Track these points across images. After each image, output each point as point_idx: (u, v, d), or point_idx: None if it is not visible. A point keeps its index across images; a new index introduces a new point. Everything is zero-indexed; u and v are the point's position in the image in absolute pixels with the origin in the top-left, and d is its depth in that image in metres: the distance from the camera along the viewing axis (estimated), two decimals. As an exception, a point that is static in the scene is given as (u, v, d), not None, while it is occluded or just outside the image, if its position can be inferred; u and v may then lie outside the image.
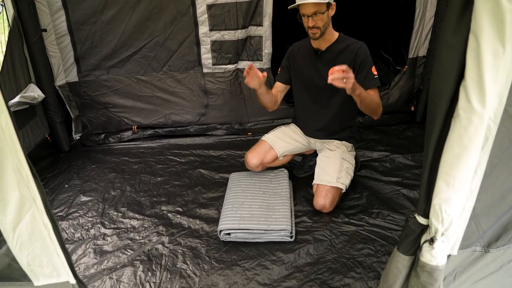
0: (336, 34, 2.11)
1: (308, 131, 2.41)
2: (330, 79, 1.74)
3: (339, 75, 1.72)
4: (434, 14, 2.83)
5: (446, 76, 0.93)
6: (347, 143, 2.31)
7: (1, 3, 2.36)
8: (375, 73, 2.03)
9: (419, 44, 2.98)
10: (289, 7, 2.03)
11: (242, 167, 2.69)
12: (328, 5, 1.95)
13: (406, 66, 3.06)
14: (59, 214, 2.30)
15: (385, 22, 4.03)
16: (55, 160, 2.92)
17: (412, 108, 3.21)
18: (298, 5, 1.97)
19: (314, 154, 2.51)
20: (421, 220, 1.12)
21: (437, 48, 0.97)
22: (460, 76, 0.92)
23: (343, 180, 2.14)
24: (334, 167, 2.17)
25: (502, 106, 0.92)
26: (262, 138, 2.44)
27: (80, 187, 2.57)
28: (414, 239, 1.15)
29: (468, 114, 0.91)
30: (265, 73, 2.02)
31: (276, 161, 2.41)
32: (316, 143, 2.42)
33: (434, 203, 1.04)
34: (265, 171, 2.44)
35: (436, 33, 2.84)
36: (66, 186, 2.60)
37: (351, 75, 1.75)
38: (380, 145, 2.85)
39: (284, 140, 2.41)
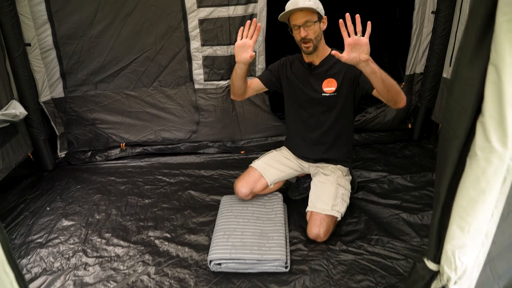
0: (328, 49, 2.03)
1: (300, 151, 2.30)
2: (345, 55, 1.58)
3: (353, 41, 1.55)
4: (432, 30, 2.77)
5: (461, 112, 0.83)
6: (342, 167, 2.20)
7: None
8: None
9: (416, 61, 2.91)
10: (279, 16, 1.95)
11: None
12: (320, 17, 1.90)
13: (403, 83, 2.98)
14: (38, 240, 2.15)
15: (380, 37, 3.98)
16: (37, 180, 2.78)
17: (410, 126, 3.13)
18: (288, 14, 1.90)
19: (309, 175, 2.40)
20: (431, 265, 1.02)
21: (450, 81, 0.87)
22: (477, 111, 0.82)
23: (339, 208, 2.03)
24: (329, 193, 2.06)
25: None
26: (251, 165, 2.32)
27: (63, 210, 2.43)
28: (423, 285, 1.04)
29: (487, 154, 0.81)
30: (253, 54, 1.90)
31: (266, 189, 2.30)
32: (310, 168, 2.31)
33: (447, 249, 0.94)
34: (259, 195, 2.32)
35: (433, 50, 2.78)
36: (48, 208, 2.45)
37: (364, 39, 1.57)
38: (378, 165, 2.76)
39: (275, 167, 2.30)
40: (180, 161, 2.97)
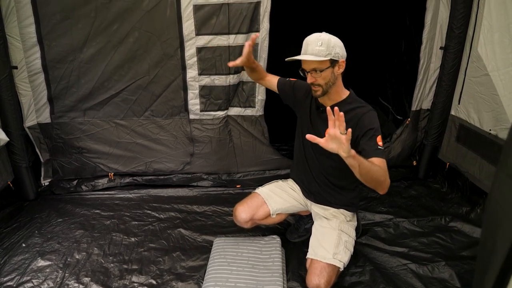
0: (345, 94, 1.85)
1: (302, 186, 2.13)
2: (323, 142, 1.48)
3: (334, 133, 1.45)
4: (440, 66, 2.66)
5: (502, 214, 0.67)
6: (345, 211, 2.01)
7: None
8: (380, 143, 1.71)
9: (422, 97, 2.80)
10: (286, 59, 1.80)
11: (228, 227, 2.40)
12: (333, 61, 1.71)
13: (409, 119, 2.85)
14: (9, 283, 1.93)
15: (384, 68, 3.90)
16: (16, 211, 2.57)
17: (415, 163, 2.98)
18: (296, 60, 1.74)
19: (311, 215, 2.21)
20: None
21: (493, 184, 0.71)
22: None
23: (341, 257, 1.84)
24: (330, 240, 1.87)
25: None
26: (255, 191, 2.14)
27: (40, 247, 2.22)
28: None
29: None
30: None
31: (268, 219, 2.10)
32: (312, 206, 2.13)
33: None
34: (255, 237, 2.14)
35: (441, 86, 2.67)
36: (24, 245, 2.24)
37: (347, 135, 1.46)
38: (382, 206, 2.59)
39: (280, 196, 2.11)
40: (172, 194, 2.78)
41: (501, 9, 2.18)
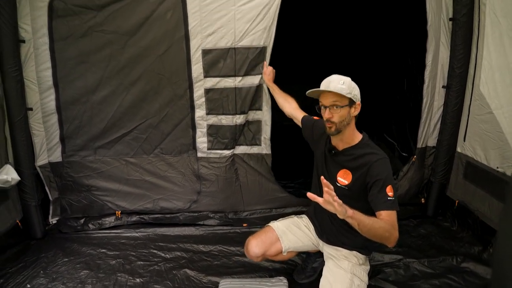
0: (358, 138, 1.86)
1: (316, 229, 2.10)
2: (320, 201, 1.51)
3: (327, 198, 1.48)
4: (443, 104, 2.71)
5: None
6: (358, 253, 1.96)
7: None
8: (391, 194, 1.68)
9: (427, 134, 2.82)
10: (308, 92, 1.84)
11: (234, 268, 2.37)
12: (351, 102, 1.76)
13: (415, 156, 2.86)
14: (12, 327, 1.91)
15: (388, 105, 3.96)
16: (23, 250, 2.57)
17: (423, 200, 2.95)
18: (318, 92, 1.78)
19: (319, 253, 2.17)
20: None
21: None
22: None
23: (353, 302, 1.79)
24: (342, 283, 1.82)
25: None
26: (270, 225, 2.11)
27: (45, 288, 2.20)
28: None
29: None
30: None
31: (279, 256, 2.07)
32: (324, 247, 2.09)
33: None
34: (262, 279, 2.11)
35: (446, 124, 2.69)
36: (28, 286, 2.22)
37: (336, 199, 1.49)
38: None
39: (295, 234, 2.08)
40: (178, 233, 2.77)
41: (500, 50, 2.24)
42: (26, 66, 2.45)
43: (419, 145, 2.84)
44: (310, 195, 1.52)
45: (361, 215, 1.54)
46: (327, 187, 1.47)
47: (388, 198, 1.66)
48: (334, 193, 1.47)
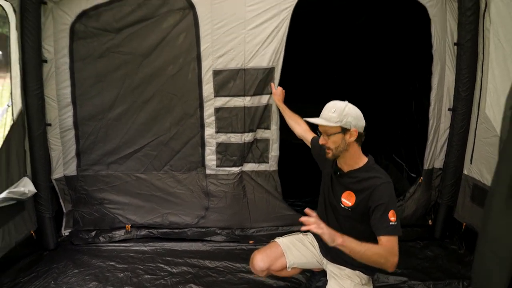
0: (363, 161, 1.88)
1: (320, 247, 2.13)
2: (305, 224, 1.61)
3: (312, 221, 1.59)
4: (449, 126, 2.73)
5: (495, 261, 0.72)
6: (362, 273, 1.96)
7: (8, 104, 2.36)
8: (392, 218, 1.69)
9: (434, 156, 2.84)
10: (304, 119, 1.92)
11: (239, 284, 2.40)
12: (345, 129, 1.78)
13: (422, 178, 2.87)
14: (21, 335, 1.97)
15: (396, 126, 3.99)
16: (35, 260, 2.65)
17: (430, 222, 2.94)
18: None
19: (324, 272, 2.18)
20: None
21: (481, 226, 0.77)
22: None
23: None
24: (345, 303, 1.84)
25: None
26: (275, 240, 2.15)
27: (54, 298, 2.27)
28: None
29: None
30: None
31: (283, 271, 2.09)
32: (328, 265, 2.10)
33: None
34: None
35: (452, 146, 2.71)
36: (39, 296, 2.30)
37: (322, 225, 1.59)
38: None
39: (299, 250, 2.11)
40: (185, 248, 2.82)
41: (504, 74, 2.28)
42: (47, 84, 2.59)
43: (426, 166, 2.86)
44: (303, 219, 1.61)
45: (352, 242, 1.60)
46: (310, 214, 1.60)
47: (390, 223, 1.68)
48: (321, 224, 1.59)
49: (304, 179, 3.70)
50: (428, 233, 2.92)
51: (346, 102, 1.84)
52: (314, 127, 2.36)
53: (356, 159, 1.88)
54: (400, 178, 3.68)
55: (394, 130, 4.05)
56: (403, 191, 3.09)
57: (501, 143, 0.77)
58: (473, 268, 0.81)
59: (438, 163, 2.85)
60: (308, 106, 2.47)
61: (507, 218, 0.68)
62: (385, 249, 1.63)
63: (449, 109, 2.70)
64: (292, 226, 2.91)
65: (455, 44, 2.57)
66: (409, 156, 3.60)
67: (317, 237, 2.18)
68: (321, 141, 1.83)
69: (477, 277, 0.78)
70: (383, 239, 1.66)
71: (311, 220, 1.59)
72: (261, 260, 2.03)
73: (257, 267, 2.03)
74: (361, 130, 1.82)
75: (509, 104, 1.04)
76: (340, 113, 1.78)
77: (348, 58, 5.00)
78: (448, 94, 2.70)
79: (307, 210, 1.60)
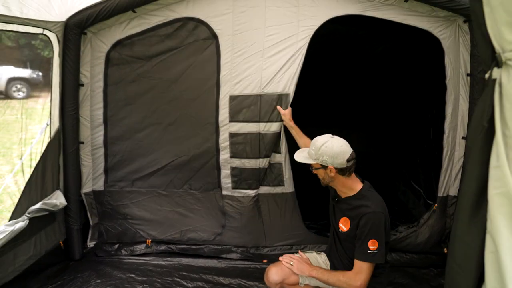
0: (356, 188, 2.00)
1: (331, 267, 2.20)
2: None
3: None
4: (464, 154, 2.76)
5: (461, 275, 0.80)
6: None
7: (47, 122, 2.61)
8: (373, 247, 1.83)
9: (449, 183, 2.85)
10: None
11: (251, 303, 2.47)
12: (323, 165, 1.94)
13: (436, 205, 2.88)
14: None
15: (415, 153, 4.01)
16: (62, 269, 2.83)
17: (445, 250, 2.92)
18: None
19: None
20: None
21: (450, 242, 0.86)
22: (479, 277, 0.79)
23: None
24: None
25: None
26: None
27: (78, 306, 2.41)
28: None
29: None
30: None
31: (296, 286, 2.18)
32: (337, 287, 2.19)
33: None
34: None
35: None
36: (64, 302, 2.45)
37: (294, 260, 2.05)
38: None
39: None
40: (201, 264, 2.93)
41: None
42: (82, 106, 2.83)
43: (440, 193, 2.87)
44: (282, 258, 2.13)
45: (319, 273, 1.95)
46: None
47: (368, 251, 1.82)
48: (294, 259, 2.07)
49: (320, 202, 3.74)
50: (442, 261, 2.89)
51: (326, 139, 1.95)
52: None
53: (348, 187, 2.01)
54: (418, 204, 3.68)
55: (413, 157, 4.07)
56: (420, 218, 3.10)
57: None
58: (445, 283, 0.88)
59: (453, 191, 2.86)
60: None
61: (472, 228, 0.77)
62: (348, 276, 1.88)
63: (463, 138, 2.74)
64: (306, 246, 2.97)
65: (467, 74, 2.63)
66: (426, 183, 3.60)
67: (330, 257, 2.26)
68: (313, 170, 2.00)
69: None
70: (356, 263, 1.88)
71: (286, 257, 2.06)
72: (276, 273, 2.14)
73: (272, 279, 2.14)
74: (340, 166, 1.91)
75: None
76: (316, 151, 1.94)
77: (367, 85, 5.09)
78: (462, 123, 2.74)
79: (281, 258, 2.09)
